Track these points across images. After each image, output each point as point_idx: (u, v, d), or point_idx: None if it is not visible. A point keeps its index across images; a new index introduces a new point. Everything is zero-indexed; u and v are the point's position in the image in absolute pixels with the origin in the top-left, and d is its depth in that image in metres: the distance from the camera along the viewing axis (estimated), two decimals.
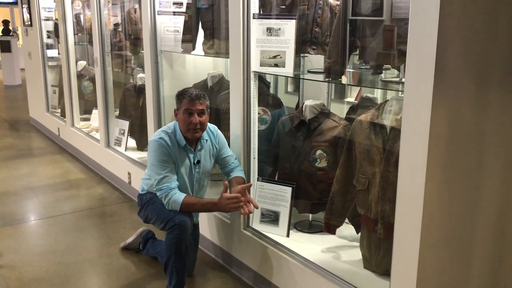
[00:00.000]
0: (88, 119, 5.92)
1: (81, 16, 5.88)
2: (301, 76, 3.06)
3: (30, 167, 5.39)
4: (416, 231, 1.86)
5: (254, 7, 2.72)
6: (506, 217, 2.14)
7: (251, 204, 2.69)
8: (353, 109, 3.17)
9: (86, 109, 6.03)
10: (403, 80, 1.88)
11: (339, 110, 3.37)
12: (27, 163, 5.57)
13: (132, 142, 4.81)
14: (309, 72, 2.93)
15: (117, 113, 5.04)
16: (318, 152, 2.85)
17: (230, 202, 2.63)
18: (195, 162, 2.86)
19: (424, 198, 1.81)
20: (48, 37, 6.74)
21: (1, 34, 12.30)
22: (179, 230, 2.64)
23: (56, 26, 6.30)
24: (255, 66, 2.77)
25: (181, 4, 3.81)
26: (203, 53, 3.55)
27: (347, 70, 2.56)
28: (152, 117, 3.91)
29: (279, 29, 2.63)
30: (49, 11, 6.66)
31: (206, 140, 2.89)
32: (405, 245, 1.93)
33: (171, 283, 2.75)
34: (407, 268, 1.93)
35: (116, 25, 4.94)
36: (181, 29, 3.74)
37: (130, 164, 4.37)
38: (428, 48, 1.70)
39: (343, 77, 2.49)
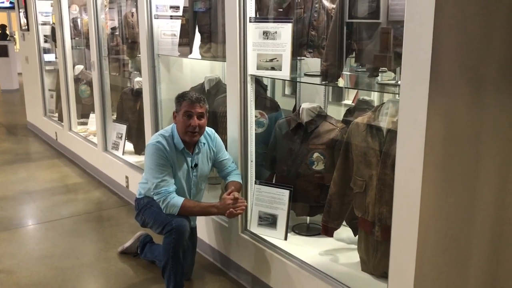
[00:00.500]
0: (85, 123, 5.92)
1: (78, 20, 5.88)
2: (298, 79, 3.07)
3: (27, 172, 5.38)
4: (413, 233, 1.86)
5: (251, 11, 2.73)
6: (503, 218, 2.14)
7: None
8: (350, 111, 3.17)
9: (84, 113, 6.03)
10: (399, 82, 1.88)
11: (336, 112, 3.37)
12: (25, 167, 5.56)
13: (129, 146, 4.80)
14: (305, 75, 2.93)
15: (114, 117, 5.04)
16: (315, 155, 2.85)
17: (231, 204, 2.65)
18: (193, 165, 2.85)
19: (421, 200, 1.82)
20: (45, 41, 6.74)
21: None
22: (176, 234, 2.64)
23: (53, 30, 6.30)
24: (251, 69, 2.78)
25: (178, 8, 3.82)
26: (200, 57, 3.55)
27: (343, 73, 2.57)
28: (150, 121, 3.91)
29: (276, 32, 2.64)
30: (46, 16, 6.66)
31: (204, 144, 2.89)
32: (402, 247, 1.93)
33: (169, 287, 2.74)
34: (404, 270, 1.93)
35: (113, 29, 4.94)
36: (178, 33, 3.74)
37: (128, 168, 4.37)
38: (424, 51, 1.71)
39: (339, 79, 2.50)
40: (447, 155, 1.87)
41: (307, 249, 2.78)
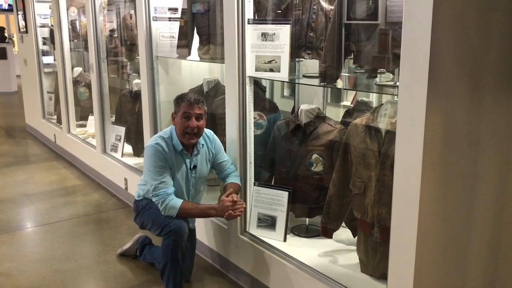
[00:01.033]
0: (84, 126, 5.91)
1: (77, 23, 5.88)
2: (297, 81, 3.07)
3: (26, 174, 5.38)
4: (412, 234, 1.86)
5: (249, 13, 2.73)
6: (502, 219, 2.14)
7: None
8: (349, 113, 3.18)
9: (82, 115, 6.02)
10: (398, 83, 1.88)
11: (335, 114, 3.38)
12: (23, 170, 5.55)
13: (128, 148, 4.80)
14: (304, 76, 2.93)
15: (113, 119, 5.04)
16: (314, 156, 2.85)
17: (230, 206, 2.66)
18: (192, 167, 2.85)
19: (419, 201, 1.82)
20: (44, 43, 6.73)
21: None
22: (175, 236, 2.64)
23: (51, 32, 6.29)
24: (250, 71, 2.78)
25: (176, 9, 3.82)
26: (198, 59, 3.55)
27: (342, 74, 2.57)
28: (148, 122, 3.91)
29: (274, 34, 2.64)
30: (44, 18, 6.65)
31: (203, 145, 2.89)
32: (401, 249, 1.93)
33: None
34: (403, 271, 1.93)
35: (111, 31, 4.94)
36: (176, 35, 3.74)
37: (127, 170, 4.36)
38: (422, 52, 1.71)
39: (338, 81, 2.50)
40: (446, 156, 1.87)
41: (306, 250, 2.78)
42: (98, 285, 3.08)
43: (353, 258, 2.63)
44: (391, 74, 2.31)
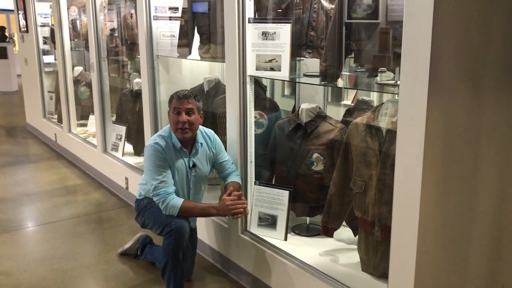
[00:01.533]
0: (85, 125, 5.91)
1: (77, 22, 5.88)
2: (297, 80, 3.07)
3: (27, 173, 5.38)
4: (413, 233, 1.86)
5: (250, 12, 2.73)
6: (503, 218, 2.14)
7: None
8: (350, 112, 3.17)
9: (83, 114, 6.03)
10: (399, 82, 1.88)
11: (336, 113, 3.37)
12: (24, 169, 5.56)
13: (129, 147, 4.80)
14: (304, 75, 2.93)
15: (114, 118, 5.04)
16: (315, 155, 2.85)
17: (232, 203, 2.66)
18: (191, 165, 2.85)
19: (420, 200, 1.82)
20: (45, 43, 6.73)
21: None
22: (176, 235, 2.64)
23: (52, 32, 6.30)
24: (251, 70, 2.78)
25: (177, 9, 3.82)
26: (199, 58, 3.55)
27: (343, 73, 2.57)
28: (149, 122, 3.91)
29: (275, 33, 2.64)
30: (45, 17, 6.65)
31: (201, 144, 2.89)
32: (402, 248, 1.93)
33: None
34: (404, 270, 1.93)
35: (112, 30, 4.94)
36: (177, 34, 3.74)
37: (127, 169, 4.37)
38: (423, 51, 1.71)
39: (339, 80, 2.50)
40: (447, 154, 1.87)
41: (307, 249, 2.78)
42: (99, 284, 3.09)
43: (354, 257, 2.63)
44: (392, 73, 2.31)
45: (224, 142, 3.04)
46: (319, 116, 2.91)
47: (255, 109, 3.00)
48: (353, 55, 2.44)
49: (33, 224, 4.03)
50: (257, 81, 3.11)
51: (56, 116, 6.61)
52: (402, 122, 1.85)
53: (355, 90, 3.52)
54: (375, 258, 2.44)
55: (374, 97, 3.19)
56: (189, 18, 3.56)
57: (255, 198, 2.92)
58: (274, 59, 2.67)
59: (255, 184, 2.94)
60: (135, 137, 4.70)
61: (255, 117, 3.04)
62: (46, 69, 6.77)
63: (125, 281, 3.08)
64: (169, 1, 3.82)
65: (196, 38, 3.54)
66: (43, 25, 6.68)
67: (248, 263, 2.95)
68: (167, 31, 3.83)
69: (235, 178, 2.90)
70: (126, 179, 4.38)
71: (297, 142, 2.92)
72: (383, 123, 2.30)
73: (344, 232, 2.87)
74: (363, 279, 2.48)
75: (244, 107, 2.86)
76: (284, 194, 2.84)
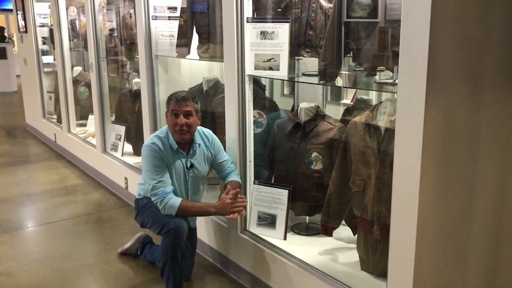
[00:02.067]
0: (84, 125, 5.91)
1: (76, 22, 5.88)
2: (296, 79, 3.07)
3: (26, 174, 5.38)
4: (412, 231, 1.86)
5: (248, 11, 2.73)
6: (502, 216, 2.15)
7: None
8: (349, 111, 3.18)
9: (82, 114, 6.03)
10: (397, 81, 1.88)
11: (335, 112, 3.38)
12: (24, 169, 5.56)
13: (128, 147, 4.80)
14: (303, 74, 2.93)
15: (113, 118, 5.04)
16: (314, 154, 2.85)
17: (232, 202, 2.67)
18: (188, 166, 2.85)
19: (419, 198, 1.82)
20: (44, 43, 6.73)
21: None
22: (174, 235, 2.64)
23: (51, 32, 6.30)
24: (249, 69, 2.78)
25: (175, 8, 3.82)
26: (198, 57, 3.55)
27: (342, 72, 2.57)
28: (148, 122, 3.91)
29: (273, 32, 2.64)
30: (44, 18, 6.65)
31: (199, 144, 2.89)
32: (401, 246, 1.93)
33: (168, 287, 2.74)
34: (403, 269, 1.93)
35: (111, 30, 4.94)
36: (175, 34, 3.74)
37: (127, 169, 4.37)
38: (421, 50, 1.71)
39: (338, 79, 2.50)
40: (445, 153, 1.87)
41: (307, 248, 2.78)
42: (99, 284, 3.09)
43: (353, 256, 2.63)
44: (391, 72, 2.31)
45: (223, 141, 3.04)
46: (318, 115, 2.91)
47: (254, 108, 3.01)
48: (351, 54, 2.44)
49: (33, 224, 4.03)
50: (256, 81, 3.11)
51: (55, 116, 6.62)
52: (400, 121, 1.85)
53: (355, 89, 3.52)
54: (374, 257, 2.45)
55: (373, 96, 3.19)
56: (188, 17, 3.56)
57: (255, 198, 2.92)
58: (273, 58, 2.67)
59: (254, 184, 2.94)
60: (135, 137, 4.70)
61: (254, 116, 3.04)
62: (46, 69, 6.77)
63: (125, 281, 3.08)
64: (168, 1, 3.82)
65: (195, 37, 3.54)
66: (42, 26, 6.68)
67: (247, 263, 2.95)
68: (166, 31, 3.83)
69: (234, 177, 2.90)
70: (126, 179, 4.38)
71: (296, 142, 2.92)
72: (382, 122, 2.30)
73: (344, 231, 2.87)
74: (363, 278, 2.48)
75: (243, 107, 2.86)
76: (283, 194, 2.84)
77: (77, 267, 3.26)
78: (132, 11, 4.48)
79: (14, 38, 12.90)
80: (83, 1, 4.93)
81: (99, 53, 4.76)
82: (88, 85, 5.71)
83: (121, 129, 4.71)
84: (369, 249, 2.47)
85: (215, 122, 3.46)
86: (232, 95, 2.85)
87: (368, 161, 2.34)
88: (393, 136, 1.92)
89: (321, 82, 2.52)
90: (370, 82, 2.43)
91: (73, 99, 5.84)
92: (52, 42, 6.23)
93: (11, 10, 8.01)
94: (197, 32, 3.50)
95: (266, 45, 2.67)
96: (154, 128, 3.90)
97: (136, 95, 4.49)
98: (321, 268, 2.50)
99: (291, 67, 2.77)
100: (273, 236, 2.85)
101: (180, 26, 3.68)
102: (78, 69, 6.04)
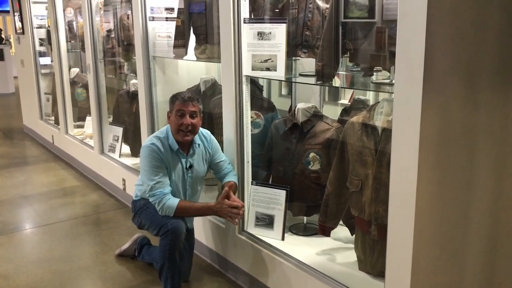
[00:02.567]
0: (82, 126, 5.90)
1: (74, 23, 5.87)
2: (293, 80, 3.07)
3: (24, 175, 5.37)
4: (409, 231, 1.86)
5: (245, 12, 2.73)
6: (499, 216, 2.15)
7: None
8: (346, 111, 3.18)
9: (80, 116, 6.02)
10: (394, 81, 1.88)
11: (333, 112, 3.38)
12: (21, 171, 5.55)
13: (126, 149, 4.80)
14: (300, 75, 2.93)
15: (111, 119, 5.03)
16: (311, 154, 2.85)
17: (230, 211, 2.66)
18: (187, 166, 2.85)
19: (416, 198, 1.82)
20: (41, 44, 6.72)
21: None
22: (172, 236, 2.64)
23: (48, 33, 6.29)
24: (246, 70, 2.78)
25: (173, 9, 3.81)
26: (195, 58, 3.55)
27: (339, 72, 2.57)
28: (145, 123, 3.91)
29: (270, 33, 2.64)
30: (41, 19, 6.65)
31: (199, 145, 2.89)
32: (398, 246, 1.93)
33: None
34: (401, 268, 1.93)
35: (109, 31, 4.94)
36: (173, 35, 3.74)
37: (125, 171, 4.36)
38: (417, 50, 1.71)
39: (336, 79, 2.50)
40: (442, 153, 1.87)
41: (305, 249, 2.78)
42: (97, 285, 3.08)
43: (351, 256, 2.63)
44: (388, 72, 2.31)
45: (221, 142, 3.04)
46: (315, 116, 2.92)
47: (252, 109, 3.01)
48: (347, 55, 2.44)
49: (30, 226, 4.02)
50: (253, 81, 3.11)
51: (53, 118, 6.60)
52: (397, 121, 1.85)
53: (352, 90, 3.52)
54: (372, 257, 2.45)
55: (370, 96, 3.19)
56: (185, 18, 3.56)
57: (252, 198, 2.92)
58: (270, 59, 2.67)
59: (252, 184, 2.94)
60: (132, 138, 4.69)
61: (251, 117, 3.04)
62: (43, 71, 6.76)
63: (123, 282, 3.07)
64: (165, 2, 3.82)
65: (192, 38, 3.54)
66: (40, 27, 6.67)
67: (245, 263, 2.95)
68: (163, 31, 3.82)
69: (232, 178, 2.90)
70: (124, 180, 4.38)
71: (293, 142, 2.93)
72: (379, 122, 2.30)
73: (341, 231, 2.87)
74: (360, 278, 2.48)
75: (240, 107, 2.86)
76: (281, 194, 2.84)
77: (75, 268, 3.26)
78: (129, 12, 4.48)
79: (11, 40, 12.88)
80: (80, 2, 4.93)
81: (96, 54, 4.76)
82: (85, 87, 5.70)
83: (119, 130, 4.71)
84: (367, 249, 2.47)
85: (213, 123, 3.46)
86: (230, 96, 2.85)
87: (366, 161, 2.34)
88: (390, 136, 1.92)
89: (318, 82, 2.52)
90: (367, 82, 2.44)
91: (71, 101, 5.83)
92: (50, 43, 6.22)
93: (8, 12, 7.99)
94: (194, 33, 3.50)
95: (263, 45, 2.68)
96: (152, 129, 3.90)
97: (134, 96, 4.49)
98: (319, 268, 2.50)
99: (288, 68, 2.77)
100: (271, 237, 2.85)
101: (177, 27, 3.68)
102: (75, 70, 6.02)
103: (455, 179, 1.95)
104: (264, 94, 3.70)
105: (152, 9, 3.75)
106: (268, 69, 2.69)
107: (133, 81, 4.61)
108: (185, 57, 3.67)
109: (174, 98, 2.81)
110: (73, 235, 3.80)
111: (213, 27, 3.32)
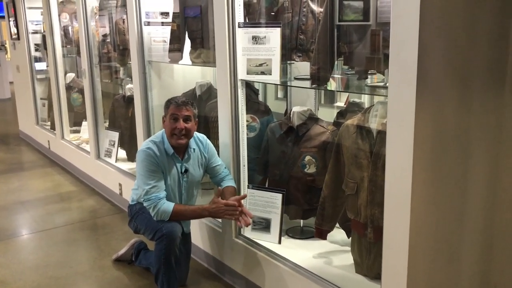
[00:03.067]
0: (78, 131, 5.90)
1: (69, 28, 5.87)
2: (288, 83, 3.08)
3: (20, 181, 5.36)
4: (405, 234, 1.87)
5: (239, 16, 2.74)
6: (494, 217, 2.16)
7: (247, 216, 2.66)
8: (341, 114, 3.19)
9: (76, 121, 6.01)
10: (388, 84, 1.89)
11: (329, 115, 3.39)
12: (18, 177, 5.53)
13: (122, 153, 4.79)
14: (295, 79, 2.94)
15: (107, 124, 5.03)
16: (307, 158, 2.86)
17: (227, 209, 2.64)
18: (183, 171, 2.85)
19: (411, 200, 1.83)
20: (36, 50, 6.72)
21: None
22: (167, 240, 2.64)
23: (44, 39, 6.29)
24: (242, 74, 2.78)
25: (168, 14, 3.82)
26: (190, 63, 3.55)
27: (335, 75, 2.57)
28: (141, 127, 3.91)
29: (265, 37, 2.65)
30: (36, 24, 6.64)
31: (194, 149, 2.89)
32: (394, 248, 1.94)
33: None
34: (397, 271, 1.93)
35: (104, 36, 4.94)
36: (168, 39, 3.74)
37: (121, 175, 4.36)
38: (410, 53, 1.72)
39: (331, 82, 2.51)
40: (436, 155, 1.88)
41: (301, 252, 2.79)
42: None
43: (348, 259, 2.64)
44: (382, 75, 2.32)
45: (217, 146, 3.04)
46: (311, 119, 2.92)
47: (247, 112, 3.01)
48: (342, 58, 2.45)
49: (27, 232, 4.01)
50: (249, 85, 3.11)
51: (49, 123, 6.59)
52: (391, 124, 1.86)
53: (348, 93, 3.53)
54: (369, 260, 2.45)
55: (365, 99, 3.20)
56: (180, 23, 3.57)
57: (249, 202, 2.92)
58: (265, 63, 2.67)
59: (248, 188, 2.94)
60: (128, 143, 4.69)
61: (247, 120, 3.05)
62: (38, 76, 6.76)
63: (120, 287, 3.07)
64: (160, 7, 3.82)
65: (188, 43, 3.54)
66: (35, 32, 6.67)
67: (242, 267, 2.95)
68: (158, 36, 3.83)
69: (230, 182, 2.90)
70: (120, 185, 4.37)
71: (289, 145, 2.93)
72: (374, 124, 2.31)
73: (338, 234, 2.88)
74: (357, 281, 2.49)
75: (236, 111, 2.86)
76: (277, 197, 2.84)
77: (72, 274, 3.25)
78: (125, 16, 4.48)
79: (7, 45, 12.86)
80: (75, 7, 4.93)
81: (92, 59, 4.76)
82: (81, 91, 5.70)
83: (115, 135, 4.71)
84: (363, 251, 2.48)
85: (209, 127, 3.46)
86: (225, 99, 2.86)
87: (361, 164, 2.35)
88: (385, 138, 1.93)
89: (313, 86, 2.53)
90: (362, 85, 2.44)
91: (67, 106, 5.83)
92: (45, 48, 6.22)
93: (3, 17, 7.99)
94: (189, 37, 3.51)
95: (258, 49, 2.68)
96: (148, 133, 3.90)
97: (130, 101, 4.49)
98: (316, 271, 2.50)
99: (284, 71, 2.78)
100: (268, 240, 2.85)
101: (172, 31, 3.69)
102: (71, 75, 6.02)
103: (450, 181, 1.96)
104: (260, 98, 3.71)
105: (147, 14, 3.75)
106: (263, 73, 2.69)
107: (129, 85, 4.61)
108: (180, 62, 3.67)
109: (168, 103, 2.82)
110: (70, 240, 3.79)
111: (208, 31, 3.32)
